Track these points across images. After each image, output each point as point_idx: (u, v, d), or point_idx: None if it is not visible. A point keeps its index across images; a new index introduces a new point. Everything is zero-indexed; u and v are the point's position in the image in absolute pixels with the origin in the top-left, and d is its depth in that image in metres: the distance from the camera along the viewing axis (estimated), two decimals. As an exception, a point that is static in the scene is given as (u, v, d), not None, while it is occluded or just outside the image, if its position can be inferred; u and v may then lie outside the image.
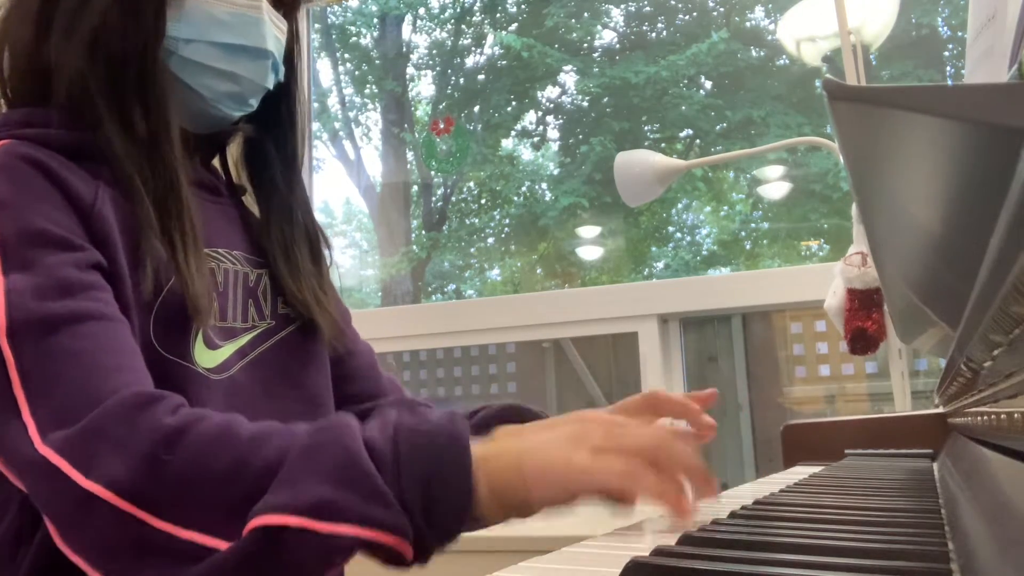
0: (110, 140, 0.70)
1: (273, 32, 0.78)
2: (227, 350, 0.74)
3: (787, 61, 3.25)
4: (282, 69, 0.82)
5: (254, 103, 0.80)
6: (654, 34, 3.75)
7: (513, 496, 0.54)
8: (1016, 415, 0.40)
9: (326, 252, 0.88)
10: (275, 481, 0.52)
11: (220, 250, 0.77)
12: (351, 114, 3.84)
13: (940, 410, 1.06)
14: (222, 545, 0.51)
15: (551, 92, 3.78)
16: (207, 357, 0.72)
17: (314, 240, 0.86)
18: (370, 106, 3.93)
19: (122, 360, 0.60)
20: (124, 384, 0.57)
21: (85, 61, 0.71)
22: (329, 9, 3.34)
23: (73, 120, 0.71)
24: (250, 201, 0.88)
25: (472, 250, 3.78)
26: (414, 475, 0.52)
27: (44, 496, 0.56)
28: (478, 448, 0.54)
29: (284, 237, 0.83)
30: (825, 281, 1.43)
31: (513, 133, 3.71)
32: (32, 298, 0.59)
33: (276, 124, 0.85)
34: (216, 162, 0.88)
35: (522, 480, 0.54)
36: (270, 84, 0.80)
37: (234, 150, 0.87)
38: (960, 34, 2.97)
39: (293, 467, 0.52)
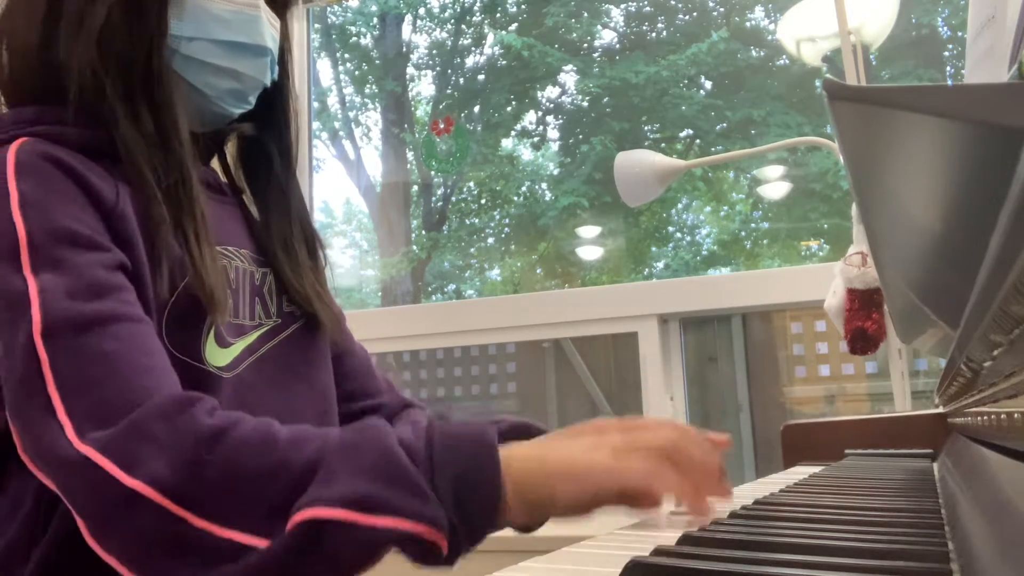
0: (125, 138, 0.70)
1: (270, 30, 0.80)
2: (238, 347, 0.75)
3: (787, 61, 3.25)
4: (277, 67, 0.83)
5: (252, 100, 0.81)
6: (654, 34, 3.75)
7: (537, 495, 0.55)
8: (1016, 415, 0.40)
9: (321, 253, 0.89)
10: (315, 478, 0.53)
11: (230, 248, 0.78)
12: (351, 114, 3.84)
13: (940, 410, 1.06)
14: (260, 543, 0.52)
15: (551, 92, 3.77)
16: (218, 355, 0.72)
17: (310, 237, 0.87)
18: (370, 106, 3.93)
19: (152, 361, 0.61)
20: (155, 384, 0.59)
21: (97, 60, 0.71)
22: (329, 9, 3.34)
23: (88, 118, 0.71)
24: (248, 201, 0.88)
25: (472, 250, 3.78)
26: (447, 472, 0.54)
27: (82, 494, 0.56)
28: (503, 450, 0.56)
29: (283, 234, 0.84)
30: (825, 281, 1.43)
31: (513, 133, 3.71)
32: (65, 298, 0.60)
33: (271, 122, 0.86)
34: (215, 163, 0.88)
35: (546, 478, 0.55)
36: (268, 81, 0.81)
37: (231, 150, 0.88)
38: (960, 34, 2.96)
39: (333, 464, 0.54)
